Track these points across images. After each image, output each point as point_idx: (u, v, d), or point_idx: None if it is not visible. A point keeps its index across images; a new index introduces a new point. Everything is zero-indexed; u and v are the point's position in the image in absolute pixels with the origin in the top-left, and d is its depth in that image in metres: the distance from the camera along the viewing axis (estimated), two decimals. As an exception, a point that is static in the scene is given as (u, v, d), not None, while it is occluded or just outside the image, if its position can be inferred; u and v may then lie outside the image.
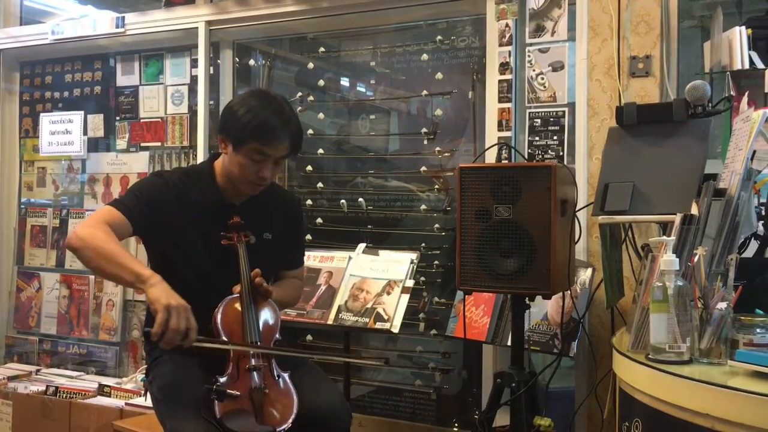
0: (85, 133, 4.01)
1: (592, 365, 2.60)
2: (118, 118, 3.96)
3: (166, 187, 2.19)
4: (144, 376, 2.38)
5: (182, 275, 2.16)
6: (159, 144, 3.83)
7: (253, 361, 2.06)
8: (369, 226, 3.32)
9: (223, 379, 2.00)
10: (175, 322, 1.86)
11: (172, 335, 1.86)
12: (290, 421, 2.01)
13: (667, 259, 1.69)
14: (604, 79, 2.70)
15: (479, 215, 2.08)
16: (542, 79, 2.82)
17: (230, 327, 2.08)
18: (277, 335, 2.18)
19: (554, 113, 2.80)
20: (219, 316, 2.08)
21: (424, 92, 3.25)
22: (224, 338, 2.07)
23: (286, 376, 2.11)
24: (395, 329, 2.67)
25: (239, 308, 2.11)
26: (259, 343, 2.09)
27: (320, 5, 3.30)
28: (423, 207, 3.25)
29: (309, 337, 3.36)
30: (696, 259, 1.73)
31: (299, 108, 3.53)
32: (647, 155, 2.19)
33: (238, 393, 1.98)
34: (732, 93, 2.34)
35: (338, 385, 2.66)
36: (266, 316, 2.16)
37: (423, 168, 3.24)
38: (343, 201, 3.38)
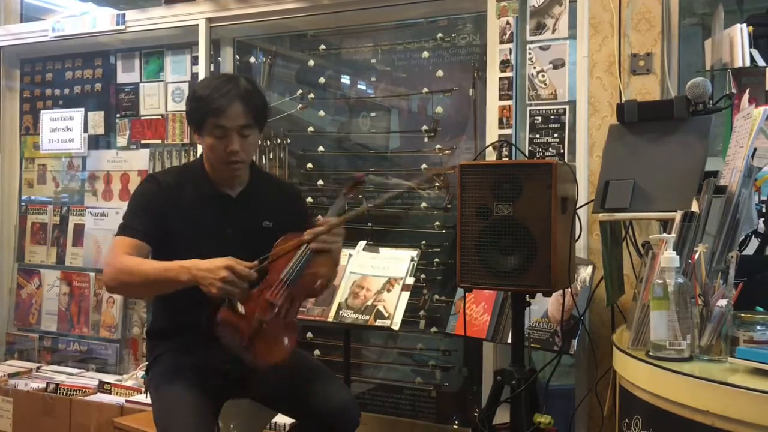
0: (85, 130, 4.01)
1: (593, 363, 2.60)
2: (118, 115, 3.96)
3: (159, 189, 2.21)
4: (144, 373, 2.39)
5: None
6: (159, 141, 3.83)
7: (275, 296, 2.07)
8: (369, 224, 3.32)
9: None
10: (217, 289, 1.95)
11: (231, 289, 1.96)
12: (269, 363, 2.03)
13: (668, 257, 1.69)
14: (605, 76, 2.70)
15: (480, 213, 2.08)
16: (543, 76, 2.82)
17: (279, 256, 2.09)
18: (318, 291, 2.21)
19: (555, 111, 2.80)
20: (279, 241, 2.12)
21: (425, 90, 3.25)
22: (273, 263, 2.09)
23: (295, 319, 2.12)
24: (395, 327, 2.67)
25: (295, 247, 2.10)
26: (293, 283, 2.09)
27: (321, 2, 3.30)
28: (423, 205, 3.25)
29: (309, 335, 3.36)
30: (696, 256, 1.73)
31: (300, 105, 3.53)
32: (648, 153, 2.19)
33: (244, 312, 2.01)
34: (733, 90, 2.33)
35: (347, 385, 2.65)
36: (317, 269, 2.14)
37: (423, 165, 3.24)
38: (343, 198, 3.38)
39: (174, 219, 2.18)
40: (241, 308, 2.01)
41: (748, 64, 2.35)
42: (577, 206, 2.28)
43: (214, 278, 1.95)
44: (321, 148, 3.47)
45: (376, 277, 2.81)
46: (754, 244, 2.09)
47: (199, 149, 3.57)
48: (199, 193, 2.23)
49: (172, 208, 2.19)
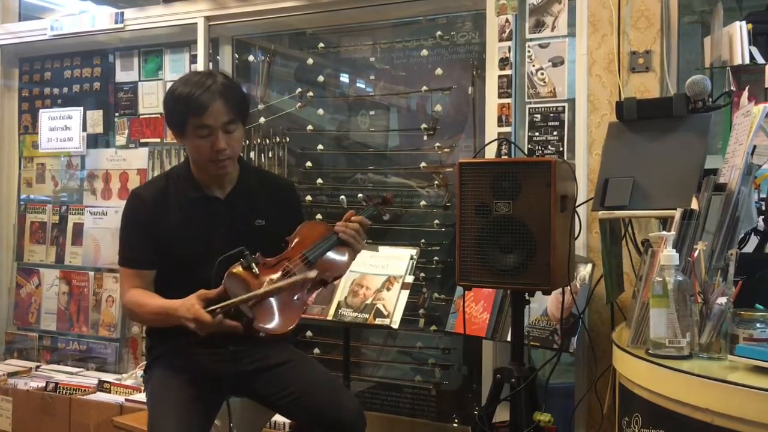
0: (84, 129, 4.00)
1: (592, 361, 2.60)
2: (117, 114, 3.96)
3: (143, 205, 2.23)
4: (143, 372, 2.39)
5: (181, 275, 2.19)
6: (158, 140, 3.83)
7: (293, 267, 2.10)
8: (368, 223, 3.32)
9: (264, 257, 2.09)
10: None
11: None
12: (264, 331, 2.00)
13: (667, 254, 1.69)
14: (604, 74, 2.70)
15: (479, 211, 2.08)
16: (542, 74, 2.81)
17: (304, 235, 2.17)
18: (329, 280, 2.20)
19: (554, 109, 2.80)
20: (304, 223, 2.19)
21: (424, 88, 3.25)
22: (294, 240, 2.18)
23: (305, 301, 2.13)
24: (395, 325, 2.67)
25: (322, 232, 2.18)
26: (312, 263, 2.12)
27: (320, 1, 3.29)
28: (423, 203, 3.25)
29: (309, 333, 3.36)
30: (696, 254, 1.72)
31: (299, 104, 3.53)
32: (647, 150, 2.18)
33: (258, 273, 2.04)
34: (732, 88, 2.33)
35: (352, 393, 2.64)
36: (337, 257, 2.19)
37: (423, 164, 3.24)
38: (342, 197, 3.38)
39: (165, 231, 2.19)
40: (256, 269, 2.05)
41: (747, 61, 2.35)
42: (577, 204, 2.28)
43: (198, 327, 1.98)
44: (320, 147, 3.47)
45: (376, 275, 2.81)
46: (753, 241, 2.09)
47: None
48: (187, 199, 2.23)
49: (160, 221, 2.20)
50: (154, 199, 2.22)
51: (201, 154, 2.16)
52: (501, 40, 2.91)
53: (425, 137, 3.24)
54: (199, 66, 3.57)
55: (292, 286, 2.05)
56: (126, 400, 3.29)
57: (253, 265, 2.05)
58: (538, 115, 2.82)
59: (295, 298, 2.08)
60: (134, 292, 2.19)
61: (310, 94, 3.51)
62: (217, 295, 1.99)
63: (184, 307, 2.00)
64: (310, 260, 2.14)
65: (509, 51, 2.89)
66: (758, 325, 1.63)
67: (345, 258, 2.21)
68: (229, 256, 2.05)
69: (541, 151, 2.81)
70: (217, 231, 2.22)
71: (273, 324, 2.01)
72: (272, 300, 2.03)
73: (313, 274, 2.08)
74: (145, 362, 2.47)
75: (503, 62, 2.91)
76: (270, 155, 3.58)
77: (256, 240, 2.21)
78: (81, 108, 4.00)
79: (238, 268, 2.04)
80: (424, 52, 3.28)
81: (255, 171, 2.48)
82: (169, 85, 3.71)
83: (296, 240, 2.19)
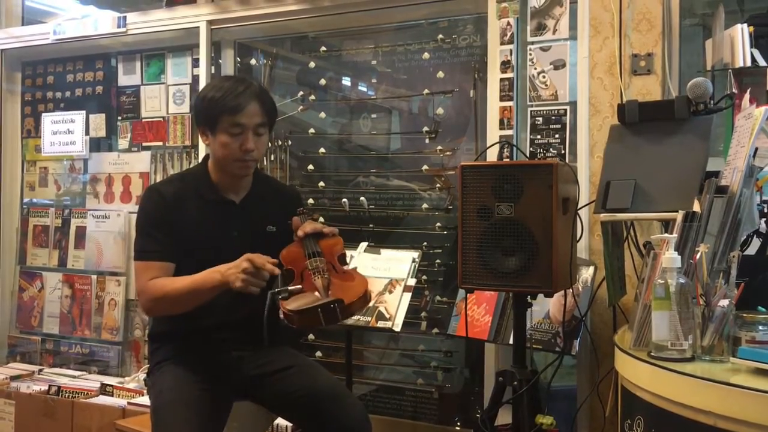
0: (86, 132, 4.01)
1: (594, 363, 2.59)
2: (119, 117, 3.97)
3: (163, 200, 2.22)
4: (146, 375, 2.39)
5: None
6: (161, 144, 3.83)
7: (314, 265, 2.14)
8: (371, 225, 3.33)
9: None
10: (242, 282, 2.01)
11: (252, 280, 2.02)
12: (357, 295, 2.06)
13: (669, 257, 1.69)
14: (606, 77, 2.70)
15: (481, 214, 2.08)
16: (544, 77, 2.82)
17: (292, 251, 2.21)
18: (342, 255, 2.27)
19: (556, 111, 2.80)
20: (282, 252, 2.21)
21: (426, 91, 3.25)
22: (289, 267, 2.18)
23: (351, 269, 2.23)
24: (397, 328, 2.66)
25: (298, 243, 2.25)
26: (319, 255, 2.18)
27: (321, 4, 3.30)
28: (425, 206, 3.25)
29: (311, 336, 3.36)
30: (698, 256, 1.72)
31: (300, 107, 3.54)
32: (649, 153, 2.18)
33: (301, 286, 2.07)
34: (734, 90, 2.33)
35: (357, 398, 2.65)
36: (326, 240, 2.26)
37: (424, 167, 3.24)
38: (344, 200, 3.38)
39: (180, 229, 2.19)
40: (297, 286, 2.08)
41: (749, 64, 2.35)
42: (579, 207, 2.28)
43: (237, 272, 2.01)
44: (322, 150, 3.47)
45: (378, 278, 2.81)
46: (755, 244, 2.09)
47: (200, 152, 3.59)
48: (202, 201, 2.24)
49: (177, 218, 2.20)
50: (174, 195, 2.23)
51: (228, 153, 2.19)
52: (502, 43, 2.91)
53: (427, 140, 3.25)
54: (201, 70, 3.58)
55: (331, 267, 2.17)
56: (128, 403, 3.30)
57: (290, 288, 2.07)
58: (540, 118, 2.82)
59: (339, 272, 2.19)
60: (154, 280, 2.14)
61: (312, 97, 3.52)
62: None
63: (227, 265, 2.04)
64: (318, 252, 2.20)
65: (511, 54, 2.90)
66: (760, 327, 1.62)
67: (330, 238, 2.29)
68: (269, 309, 2.04)
69: (542, 154, 2.81)
70: (230, 233, 2.24)
71: (356, 291, 2.09)
72: (334, 284, 2.11)
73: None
74: (147, 365, 2.47)
75: (505, 65, 2.91)
76: (272, 158, 3.59)
77: (267, 245, 2.22)
78: (83, 112, 4.01)
79: (287, 299, 2.04)
80: (426, 55, 3.28)
81: (265, 178, 2.54)
82: (171, 89, 3.79)
83: (291, 258, 2.21)
